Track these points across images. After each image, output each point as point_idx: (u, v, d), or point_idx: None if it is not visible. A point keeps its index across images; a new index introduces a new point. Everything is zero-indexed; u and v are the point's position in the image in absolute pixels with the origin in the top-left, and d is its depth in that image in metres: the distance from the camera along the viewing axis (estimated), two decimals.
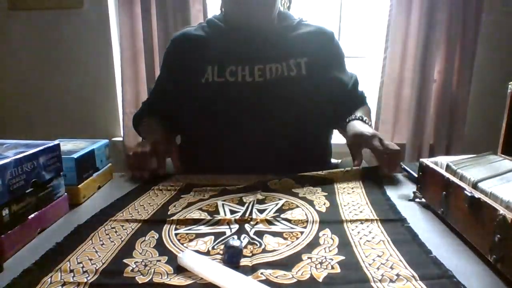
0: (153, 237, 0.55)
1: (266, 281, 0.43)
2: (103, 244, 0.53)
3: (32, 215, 0.56)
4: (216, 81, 0.90)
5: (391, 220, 0.59)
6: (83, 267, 0.47)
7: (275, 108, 0.89)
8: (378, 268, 0.46)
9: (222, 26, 0.96)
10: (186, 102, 0.94)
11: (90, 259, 0.49)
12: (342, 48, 1.04)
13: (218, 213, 0.62)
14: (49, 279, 0.45)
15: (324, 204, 0.66)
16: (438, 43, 1.93)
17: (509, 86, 0.60)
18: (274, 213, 0.62)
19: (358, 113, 0.94)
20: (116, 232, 0.57)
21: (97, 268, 0.47)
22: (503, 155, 0.63)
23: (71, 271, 0.46)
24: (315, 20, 1.03)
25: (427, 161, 0.65)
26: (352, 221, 0.59)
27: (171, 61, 1.01)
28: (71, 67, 2.14)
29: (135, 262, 0.48)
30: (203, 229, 0.57)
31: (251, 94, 0.89)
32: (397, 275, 0.44)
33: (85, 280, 0.44)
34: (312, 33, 0.97)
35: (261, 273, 0.45)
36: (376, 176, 0.79)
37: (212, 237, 0.54)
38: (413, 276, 0.44)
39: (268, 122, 0.88)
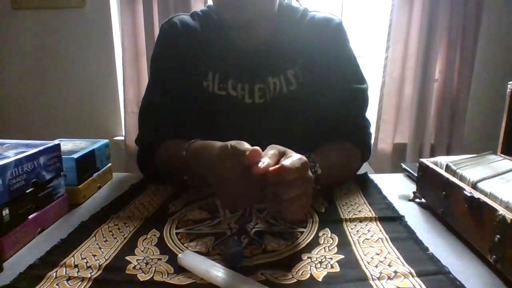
0: (155, 235, 0.55)
1: (266, 282, 0.43)
2: (106, 240, 0.54)
3: (32, 215, 0.56)
4: (217, 94, 0.82)
5: (389, 218, 0.60)
6: (87, 262, 0.48)
7: (275, 129, 0.81)
8: (376, 266, 0.46)
9: (216, 21, 0.84)
10: (184, 105, 0.83)
11: (94, 255, 0.50)
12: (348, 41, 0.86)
13: (218, 212, 0.62)
14: (54, 274, 0.45)
15: (323, 204, 0.66)
16: (439, 42, 1.93)
17: (509, 85, 0.60)
18: None
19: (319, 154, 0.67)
20: (119, 229, 0.57)
21: (100, 264, 0.47)
22: (502, 155, 0.63)
23: (76, 266, 0.47)
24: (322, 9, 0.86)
25: (427, 161, 0.65)
26: (351, 219, 0.59)
27: (167, 53, 0.85)
28: (73, 66, 2.14)
29: (136, 260, 0.48)
30: (204, 229, 0.57)
31: (250, 117, 0.81)
32: (395, 272, 0.45)
33: (89, 275, 0.45)
34: (314, 27, 0.83)
35: (261, 274, 0.45)
36: (367, 180, 0.79)
37: (213, 238, 0.54)
38: (410, 273, 0.44)
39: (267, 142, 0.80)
